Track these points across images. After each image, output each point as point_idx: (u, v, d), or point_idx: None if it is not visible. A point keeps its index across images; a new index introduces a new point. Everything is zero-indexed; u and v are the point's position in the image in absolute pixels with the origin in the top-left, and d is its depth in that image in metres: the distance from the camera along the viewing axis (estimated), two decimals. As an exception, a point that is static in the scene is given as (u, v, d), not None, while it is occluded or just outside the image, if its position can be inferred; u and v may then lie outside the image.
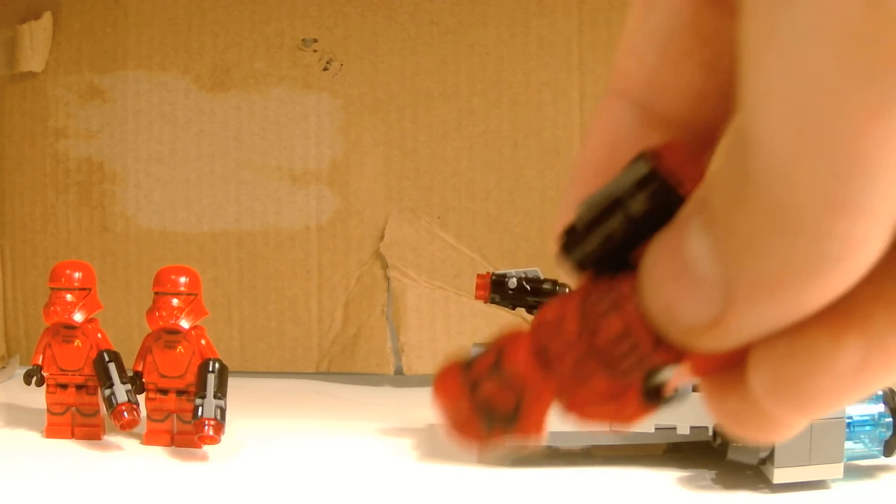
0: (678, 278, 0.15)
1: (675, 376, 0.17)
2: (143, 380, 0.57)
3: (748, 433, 0.17)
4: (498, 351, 0.18)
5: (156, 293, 0.57)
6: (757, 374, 0.16)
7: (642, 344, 0.16)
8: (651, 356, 0.16)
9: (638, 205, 0.16)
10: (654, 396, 0.17)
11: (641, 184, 0.16)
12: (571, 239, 0.17)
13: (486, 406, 0.18)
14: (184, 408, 0.56)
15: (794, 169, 0.13)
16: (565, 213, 0.18)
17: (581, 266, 0.17)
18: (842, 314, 0.15)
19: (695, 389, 0.55)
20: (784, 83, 0.13)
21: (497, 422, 0.18)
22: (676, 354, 0.16)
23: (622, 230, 0.16)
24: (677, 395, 0.17)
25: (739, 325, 0.15)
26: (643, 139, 0.17)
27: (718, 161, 0.15)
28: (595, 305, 0.17)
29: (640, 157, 0.16)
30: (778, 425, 0.16)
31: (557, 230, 0.18)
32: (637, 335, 0.16)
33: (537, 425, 0.17)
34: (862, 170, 0.13)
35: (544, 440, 0.18)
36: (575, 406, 0.17)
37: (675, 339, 0.16)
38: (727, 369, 0.17)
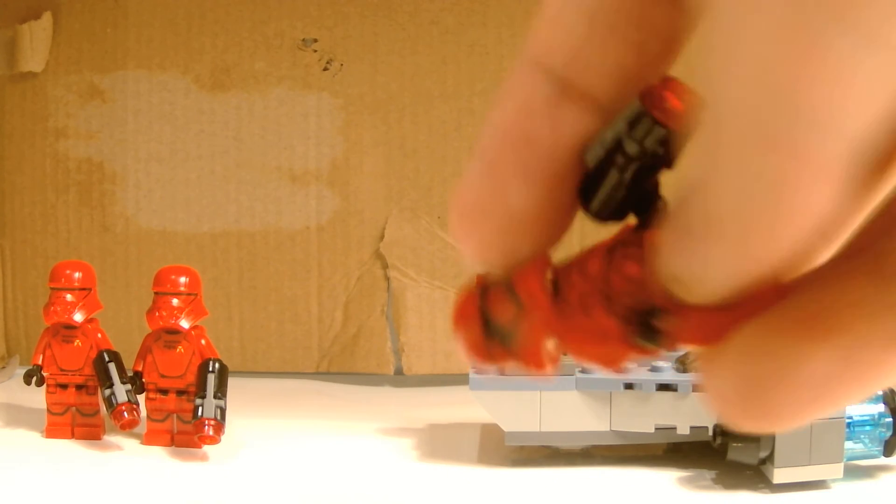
0: (674, 228, 0.15)
1: (668, 325, 0.16)
2: (143, 380, 0.57)
3: (716, 410, 0.16)
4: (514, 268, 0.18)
5: (156, 293, 0.57)
6: (718, 377, 0.15)
7: (649, 287, 0.16)
8: (651, 299, 0.16)
9: (633, 145, 0.16)
10: (645, 339, 0.17)
11: (633, 123, 0.16)
12: (586, 191, 0.17)
13: (488, 315, 0.18)
14: (184, 408, 0.56)
15: (733, 104, 0.13)
16: (469, 181, 0.17)
17: (600, 216, 0.17)
18: (817, 321, 0.15)
19: (695, 389, 0.55)
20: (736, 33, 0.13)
21: (497, 335, 0.18)
22: (675, 305, 0.16)
23: (629, 172, 0.16)
24: (665, 344, 0.17)
25: (718, 271, 0.14)
26: (558, 111, 0.16)
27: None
28: (622, 249, 0.17)
29: (638, 95, 0.16)
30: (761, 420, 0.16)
31: (455, 198, 0.17)
32: (648, 279, 0.16)
33: (535, 348, 0.17)
34: (791, 108, 0.12)
35: (546, 373, 0.18)
36: (569, 338, 0.17)
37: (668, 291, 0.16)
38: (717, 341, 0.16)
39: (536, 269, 0.17)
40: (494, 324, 0.18)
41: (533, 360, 0.17)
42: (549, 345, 0.18)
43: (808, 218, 0.13)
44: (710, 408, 0.16)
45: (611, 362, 0.17)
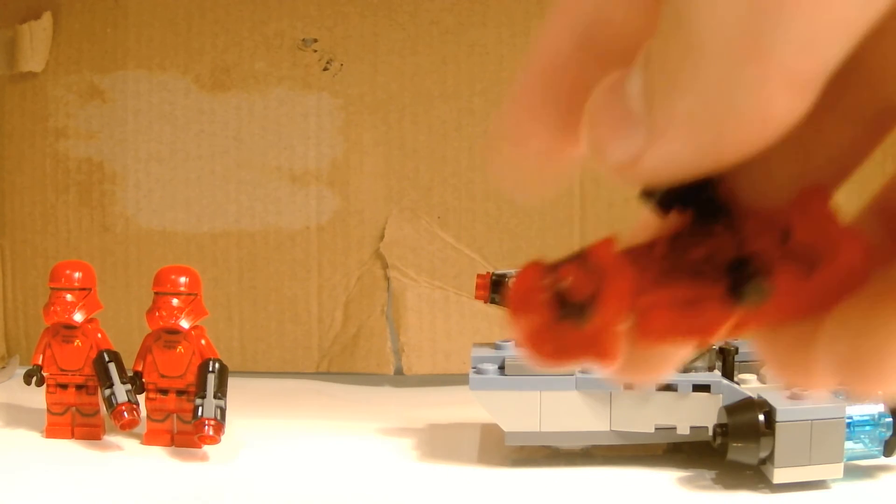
0: (610, 113, 0.16)
1: (767, 275, 0.16)
2: (143, 380, 0.57)
3: (792, 381, 0.17)
4: (585, 249, 0.17)
5: (156, 293, 0.57)
6: (831, 348, 0.16)
7: (727, 250, 0.16)
8: (738, 254, 0.16)
9: None
10: (740, 291, 0.16)
11: None
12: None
13: (562, 295, 0.17)
14: (184, 408, 0.56)
15: (711, 10, 0.13)
16: (506, 128, 0.18)
17: (664, 204, 0.17)
18: None
19: (695, 389, 0.55)
20: None
21: (572, 315, 0.16)
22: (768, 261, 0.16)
23: None
24: (763, 291, 0.16)
25: (662, 161, 0.15)
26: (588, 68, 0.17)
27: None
28: (687, 237, 0.17)
29: None
30: (823, 383, 0.17)
31: (491, 146, 0.18)
32: (723, 248, 0.16)
33: (612, 328, 0.17)
34: (770, 17, 0.13)
35: (615, 364, 0.17)
36: (654, 308, 0.17)
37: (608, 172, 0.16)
38: (793, 321, 0.17)
39: (612, 244, 0.17)
40: (569, 302, 0.17)
41: (607, 344, 0.17)
42: (624, 328, 0.17)
43: (768, 123, 0.14)
44: (812, 377, 0.17)
45: (704, 331, 0.17)
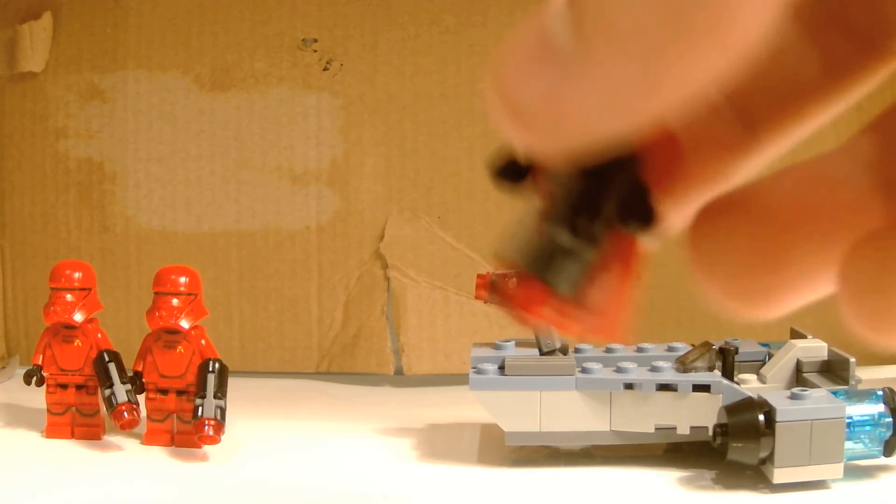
0: (524, 49, 0.14)
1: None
2: (143, 380, 0.57)
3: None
4: None
5: (156, 293, 0.57)
6: (844, 286, 0.15)
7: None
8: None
9: None
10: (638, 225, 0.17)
11: None
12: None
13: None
14: (184, 408, 0.56)
15: None
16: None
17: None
18: None
19: (695, 389, 0.54)
20: None
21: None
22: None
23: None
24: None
25: (582, 101, 0.13)
26: None
27: None
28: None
29: None
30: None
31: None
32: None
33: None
34: None
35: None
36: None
37: (513, 133, 0.14)
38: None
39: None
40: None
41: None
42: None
43: (735, 31, 0.12)
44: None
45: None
